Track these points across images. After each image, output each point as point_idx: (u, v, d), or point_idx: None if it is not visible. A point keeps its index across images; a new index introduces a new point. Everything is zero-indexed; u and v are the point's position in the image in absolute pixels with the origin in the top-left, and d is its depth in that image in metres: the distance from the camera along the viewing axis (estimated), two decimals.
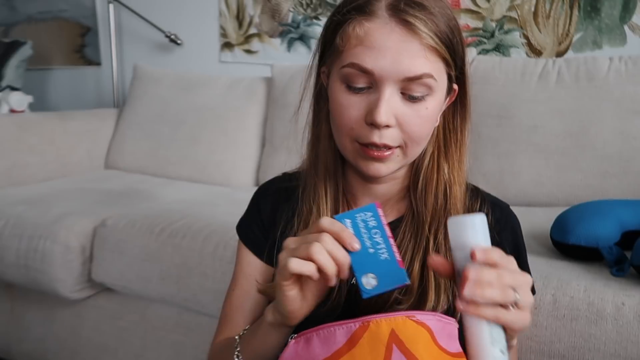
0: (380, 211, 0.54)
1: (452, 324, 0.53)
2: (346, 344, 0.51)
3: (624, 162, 1.32)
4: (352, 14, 0.62)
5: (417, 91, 0.61)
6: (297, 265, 0.53)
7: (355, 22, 0.62)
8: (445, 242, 0.67)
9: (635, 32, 1.59)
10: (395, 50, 0.59)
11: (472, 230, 0.53)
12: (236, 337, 0.68)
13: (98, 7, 2.50)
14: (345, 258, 0.53)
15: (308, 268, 0.52)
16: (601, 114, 1.36)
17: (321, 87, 0.72)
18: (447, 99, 0.68)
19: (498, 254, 0.52)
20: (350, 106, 0.63)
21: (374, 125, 0.61)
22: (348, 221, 0.54)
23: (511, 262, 0.53)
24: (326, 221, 0.54)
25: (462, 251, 0.52)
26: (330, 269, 0.52)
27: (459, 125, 0.70)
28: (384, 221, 0.54)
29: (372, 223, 0.54)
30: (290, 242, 0.56)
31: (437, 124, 0.69)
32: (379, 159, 0.63)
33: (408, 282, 0.54)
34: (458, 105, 0.70)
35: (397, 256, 0.54)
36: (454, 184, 0.69)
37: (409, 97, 0.62)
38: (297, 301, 0.57)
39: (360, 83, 0.62)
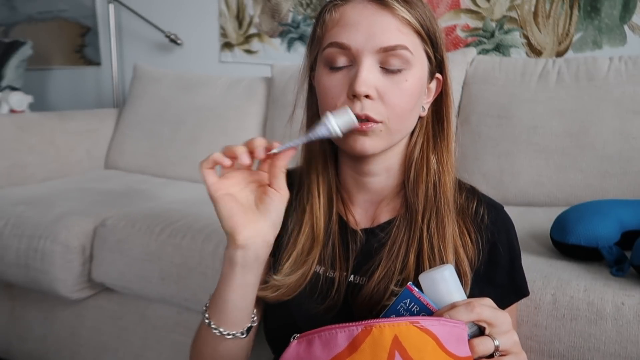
0: (416, 292, 0.55)
1: (459, 327, 0.52)
2: (347, 348, 0.50)
3: (624, 162, 1.32)
4: (329, 3, 0.67)
5: (395, 64, 0.63)
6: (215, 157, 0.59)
7: (331, 7, 0.66)
8: (437, 231, 0.68)
9: (635, 32, 1.59)
10: (369, 23, 0.63)
11: (443, 284, 0.55)
12: (204, 307, 0.68)
13: (98, 7, 2.51)
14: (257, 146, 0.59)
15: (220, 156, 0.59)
16: (601, 114, 1.36)
17: (312, 91, 0.73)
18: (433, 86, 0.70)
19: (467, 309, 0.54)
20: (333, 85, 0.65)
21: (355, 96, 0.63)
22: (393, 316, 0.55)
23: (484, 303, 0.56)
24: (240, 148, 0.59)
25: (439, 304, 0.55)
26: (241, 149, 0.58)
27: (444, 113, 0.72)
28: (425, 300, 0.55)
29: (415, 308, 0.55)
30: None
31: (424, 113, 0.71)
32: (363, 132, 0.64)
33: None
34: (442, 95, 0.72)
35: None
36: (444, 173, 0.71)
37: (387, 70, 0.64)
38: (234, 204, 0.60)
39: (341, 62, 0.64)
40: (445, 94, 0.72)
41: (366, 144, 0.65)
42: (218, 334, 0.65)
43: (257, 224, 0.61)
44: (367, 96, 0.62)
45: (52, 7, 2.62)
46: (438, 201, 0.69)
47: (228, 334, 0.65)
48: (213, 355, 0.69)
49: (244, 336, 0.67)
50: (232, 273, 0.63)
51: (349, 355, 0.49)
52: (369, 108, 0.63)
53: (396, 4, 0.63)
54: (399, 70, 0.64)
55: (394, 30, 0.63)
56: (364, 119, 0.63)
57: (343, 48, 0.63)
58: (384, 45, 0.62)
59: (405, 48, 0.63)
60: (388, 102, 0.64)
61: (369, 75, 0.62)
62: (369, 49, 0.62)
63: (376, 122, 0.64)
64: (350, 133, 0.64)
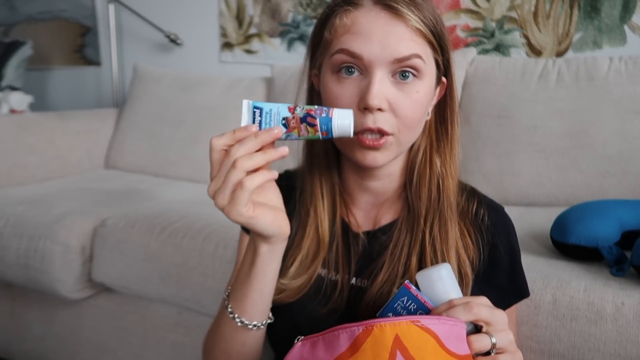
0: (414, 290, 0.55)
1: (458, 325, 0.53)
2: (349, 348, 0.50)
3: (624, 162, 1.32)
4: (338, 6, 0.65)
5: (407, 74, 0.63)
6: (250, 184, 0.57)
7: (342, 12, 0.64)
8: (440, 235, 0.68)
9: (635, 32, 1.59)
10: (382, 33, 0.61)
11: (440, 283, 0.56)
12: (224, 299, 0.68)
13: (98, 7, 2.50)
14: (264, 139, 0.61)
15: (260, 177, 0.58)
16: (601, 114, 1.36)
17: (313, 90, 0.73)
18: (437, 90, 0.69)
19: (465, 309, 0.54)
20: (342, 95, 0.64)
21: (367, 109, 0.62)
22: (390, 314, 0.55)
23: (482, 302, 0.56)
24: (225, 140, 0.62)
25: (436, 303, 0.56)
26: (261, 159, 0.60)
27: (449, 118, 0.71)
28: (422, 298, 0.55)
29: (413, 306, 0.55)
30: (212, 187, 0.61)
31: (428, 117, 0.70)
32: (375, 148, 0.64)
33: None
34: (447, 98, 0.71)
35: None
36: (447, 177, 0.70)
37: (399, 80, 0.63)
38: (270, 215, 0.59)
39: (351, 70, 0.63)
40: (451, 97, 0.71)
41: (377, 157, 0.65)
42: (240, 324, 0.65)
43: (284, 214, 0.62)
44: (379, 109, 0.62)
45: (52, 7, 2.62)
46: (441, 205, 0.69)
47: (249, 325, 0.65)
48: (227, 350, 0.69)
49: (263, 327, 0.67)
50: (260, 262, 0.63)
51: (350, 355, 0.49)
52: (381, 121, 0.62)
53: (409, 14, 0.61)
54: (411, 81, 0.63)
55: (407, 40, 0.61)
56: (376, 132, 0.62)
57: (354, 57, 0.62)
58: (398, 56, 0.61)
59: (419, 57, 0.62)
60: (399, 114, 0.63)
61: (382, 88, 0.61)
62: (382, 60, 0.61)
63: (388, 134, 0.63)
64: (360, 147, 0.64)
